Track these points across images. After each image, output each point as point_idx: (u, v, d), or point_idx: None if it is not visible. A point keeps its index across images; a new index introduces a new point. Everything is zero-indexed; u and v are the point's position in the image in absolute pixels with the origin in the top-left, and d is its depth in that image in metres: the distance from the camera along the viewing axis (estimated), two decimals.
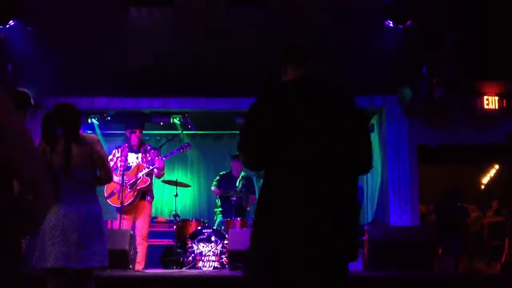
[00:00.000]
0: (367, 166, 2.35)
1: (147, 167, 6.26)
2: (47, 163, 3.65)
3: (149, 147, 6.55)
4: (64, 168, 3.60)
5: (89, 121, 8.15)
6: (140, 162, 6.32)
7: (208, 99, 7.85)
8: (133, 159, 6.36)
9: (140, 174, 6.22)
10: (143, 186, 6.22)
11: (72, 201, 3.60)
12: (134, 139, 6.39)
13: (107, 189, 6.19)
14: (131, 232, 5.79)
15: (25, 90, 3.49)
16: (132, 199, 6.15)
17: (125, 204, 6.08)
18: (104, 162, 3.74)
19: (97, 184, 3.81)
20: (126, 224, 6.14)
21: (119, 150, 6.42)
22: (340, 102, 2.33)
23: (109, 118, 8.34)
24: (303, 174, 2.19)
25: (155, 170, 6.31)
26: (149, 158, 6.35)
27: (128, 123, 6.64)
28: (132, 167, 6.26)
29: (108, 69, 7.34)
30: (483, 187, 13.02)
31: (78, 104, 3.89)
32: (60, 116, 3.72)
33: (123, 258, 5.45)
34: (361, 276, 5.27)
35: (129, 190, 6.18)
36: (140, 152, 6.39)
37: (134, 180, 6.20)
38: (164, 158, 6.41)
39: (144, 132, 6.68)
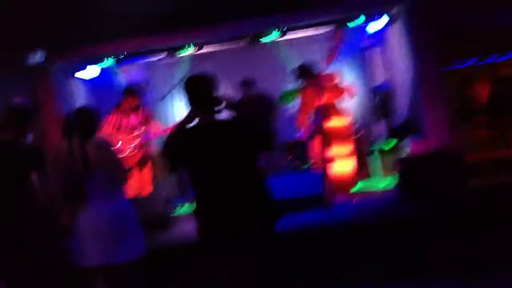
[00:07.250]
0: (269, 145, 3.35)
1: None
2: (67, 166, 3.70)
3: None
4: (84, 170, 3.67)
5: (105, 64, 7.91)
6: None
7: None
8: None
9: None
10: None
11: (101, 201, 3.71)
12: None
13: None
14: (165, 194, 5.93)
15: (21, 100, 3.43)
16: None
17: None
18: (117, 165, 3.82)
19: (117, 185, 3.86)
20: None
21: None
22: (229, 131, 3.22)
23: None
24: (208, 177, 3.14)
25: None
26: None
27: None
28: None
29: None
30: None
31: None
32: (78, 119, 3.80)
33: (162, 220, 5.58)
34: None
35: None
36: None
37: None
38: None
39: None
